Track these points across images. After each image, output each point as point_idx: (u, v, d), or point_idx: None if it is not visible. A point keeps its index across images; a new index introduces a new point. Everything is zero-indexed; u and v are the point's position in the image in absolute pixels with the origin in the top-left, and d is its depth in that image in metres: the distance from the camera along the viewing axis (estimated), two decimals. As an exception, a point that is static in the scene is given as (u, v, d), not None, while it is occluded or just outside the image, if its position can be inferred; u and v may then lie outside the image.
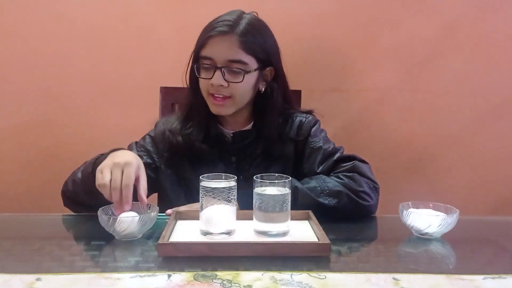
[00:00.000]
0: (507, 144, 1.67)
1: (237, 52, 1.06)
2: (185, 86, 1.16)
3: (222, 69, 1.06)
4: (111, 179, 0.90)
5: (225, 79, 1.06)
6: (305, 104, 1.39)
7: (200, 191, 0.86)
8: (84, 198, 1.02)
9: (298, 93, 1.41)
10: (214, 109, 1.11)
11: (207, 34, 1.06)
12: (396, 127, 1.67)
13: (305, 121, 1.19)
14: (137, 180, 0.93)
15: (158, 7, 1.57)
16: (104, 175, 0.90)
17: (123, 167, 0.91)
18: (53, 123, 1.63)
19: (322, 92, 1.63)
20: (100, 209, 0.88)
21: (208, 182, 0.86)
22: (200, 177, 0.87)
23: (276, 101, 1.15)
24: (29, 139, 1.63)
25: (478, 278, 0.72)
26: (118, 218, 0.86)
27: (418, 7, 1.60)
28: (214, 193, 0.85)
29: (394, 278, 0.72)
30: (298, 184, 1.04)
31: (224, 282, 0.69)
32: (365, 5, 1.59)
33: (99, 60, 1.60)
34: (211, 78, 1.06)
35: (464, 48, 1.62)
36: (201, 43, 1.07)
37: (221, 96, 1.08)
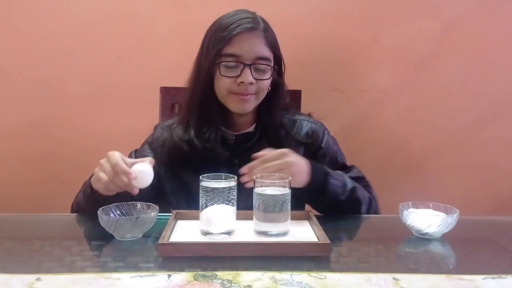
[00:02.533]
0: (507, 144, 1.67)
1: (264, 49, 1.06)
2: (187, 86, 1.14)
3: (251, 66, 1.04)
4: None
5: (253, 76, 1.04)
6: (305, 104, 1.39)
7: (200, 191, 0.87)
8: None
9: (298, 93, 1.41)
10: (237, 106, 1.07)
11: (234, 31, 1.03)
12: (396, 127, 1.67)
13: (316, 127, 1.18)
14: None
15: (158, 7, 1.58)
16: (100, 179, 0.91)
17: (107, 159, 0.91)
18: (53, 123, 1.63)
19: (322, 92, 1.63)
20: (100, 209, 0.88)
21: (208, 182, 0.86)
22: (200, 177, 0.87)
23: (281, 98, 1.15)
24: (29, 139, 1.63)
25: (478, 278, 0.72)
26: (118, 218, 0.86)
27: (418, 7, 1.60)
28: (214, 193, 0.85)
29: (394, 278, 0.72)
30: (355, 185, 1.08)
31: (224, 282, 0.69)
32: (365, 5, 1.60)
33: (99, 60, 1.60)
34: (237, 76, 1.04)
35: (464, 48, 1.62)
36: (226, 40, 1.03)
37: (246, 94, 1.06)
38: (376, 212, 1.12)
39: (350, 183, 1.06)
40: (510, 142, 1.67)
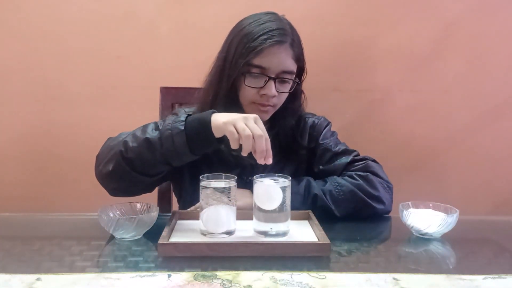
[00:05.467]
0: (507, 144, 1.67)
1: (290, 63, 1.06)
2: (204, 83, 1.13)
3: (275, 80, 1.05)
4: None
5: (275, 89, 1.05)
6: (305, 104, 1.39)
7: (200, 191, 0.87)
8: (144, 168, 0.97)
9: (298, 93, 1.41)
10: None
11: (264, 44, 1.01)
12: (396, 127, 1.67)
13: (318, 122, 1.21)
14: None
15: (158, 7, 1.57)
16: (243, 128, 0.86)
17: (255, 121, 0.89)
18: (53, 124, 1.63)
19: (322, 92, 1.63)
20: (100, 209, 0.88)
21: (208, 182, 0.86)
22: (200, 177, 0.87)
23: (297, 104, 1.17)
24: (29, 139, 1.63)
25: (478, 278, 0.72)
26: (118, 218, 0.86)
27: (418, 7, 1.60)
28: (214, 193, 0.85)
29: (394, 278, 0.72)
30: (318, 191, 1.04)
31: (224, 282, 0.69)
32: (365, 5, 1.59)
33: (99, 60, 1.60)
34: (261, 88, 1.04)
35: (464, 48, 1.62)
36: (255, 52, 1.02)
37: (267, 104, 1.07)
38: (378, 203, 1.06)
39: (310, 195, 1.04)
40: (510, 142, 1.67)
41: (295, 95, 1.15)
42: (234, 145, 0.87)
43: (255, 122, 0.89)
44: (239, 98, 1.08)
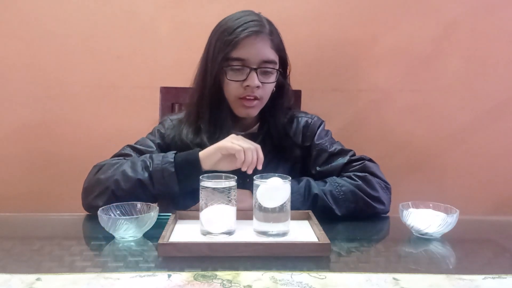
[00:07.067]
0: (507, 144, 1.67)
1: (269, 52, 1.06)
2: (191, 86, 1.14)
3: (257, 70, 1.05)
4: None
5: (258, 80, 1.05)
6: (305, 104, 1.39)
7: (200, 191, 0.87)
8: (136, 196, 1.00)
9: (298, 93, 1.41)
10: (242, 111, 1.09)
11: (240, 35, 1.03)
12: (396, 127, 1.67)
13: (311, 122, 1.20)
14: None
15: (158, 7, 1.58)
16: (237, 144, 0.96)
17: (243, 138, 0.99)
18: (53, 123, 1.63)
19: (322, 92, 1.63)
20: (100, 209, 0.88)
21: (208, 182, 0.86)
22: (200, 177, 0.87)
23: (285, 99, 1.16)
24: (29, 139, 1.63)
25: (478, 278, 0.72)
26: (118, 218, 0.86)
27: (418, 7, 1.60)
28: (214, 193, 0.85)
29: (394, 278, 0.72)
30: (318, 191, 1.03)
31: (224, 282, 0.69)
32: (365, 5, 1.60)
33: (99, 60, 1.60)
34: (244, 80, 1.05)
35: (464, 48, 1.62)
36: (232, 44, 1.03)
37: (253, 97, 1.07)
38: (378, 203, 1.05)
39: (310, 195, 1.03)
40: (510, 142, 1.67)
41: (282, 90, 1.15)
42: (240, 157, 0.95)
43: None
44: (225, 95, 1.09)
